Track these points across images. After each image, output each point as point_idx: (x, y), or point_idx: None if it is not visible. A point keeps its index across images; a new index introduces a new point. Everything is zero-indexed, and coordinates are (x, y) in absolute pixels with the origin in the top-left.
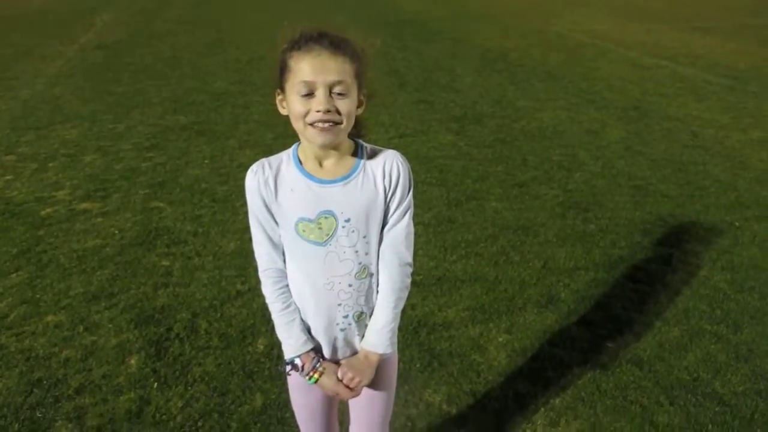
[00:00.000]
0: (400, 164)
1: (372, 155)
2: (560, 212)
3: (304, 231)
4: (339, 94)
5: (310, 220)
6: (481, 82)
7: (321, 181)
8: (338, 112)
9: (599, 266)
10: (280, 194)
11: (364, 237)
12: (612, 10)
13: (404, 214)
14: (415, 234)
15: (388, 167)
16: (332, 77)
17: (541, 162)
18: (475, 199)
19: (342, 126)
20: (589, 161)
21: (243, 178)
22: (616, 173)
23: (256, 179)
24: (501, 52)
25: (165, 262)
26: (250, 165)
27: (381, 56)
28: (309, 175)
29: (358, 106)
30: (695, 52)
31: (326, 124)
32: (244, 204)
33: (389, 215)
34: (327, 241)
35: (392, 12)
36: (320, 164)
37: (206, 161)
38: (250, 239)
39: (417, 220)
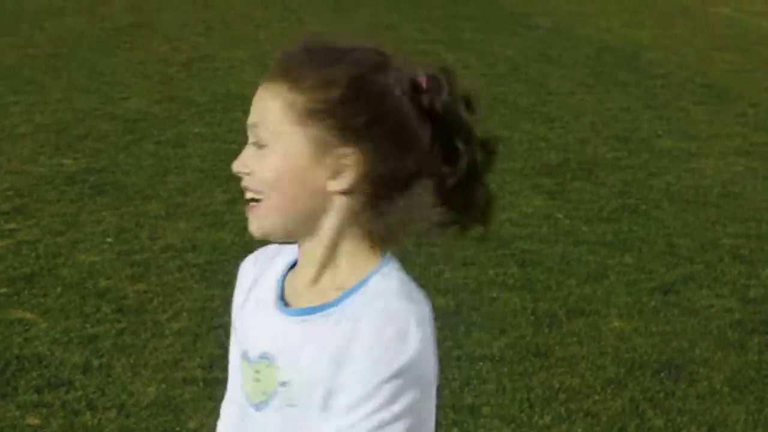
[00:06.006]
0: (398, 313)
1: (379, 288)
2: (736, 339)
3: (244, 376)
4: (254, 143)
5: (250, 361)
6: (593, 103)
7: (282, 305)
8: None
9: None
10: (251, 300)
11: (300, 425)
12: None
13: (358, 403)
14: (480, 377)
15: (373, 311)
16: (251, 116)
17: (701, 248)
18: (583, 314)
19: (265, 203)
20: None
21: (169, 271)
22: None
23: (252, 257)
24: (628, 50)
25: (33, 420)
26: (183, 248)
27: (418, 56)
28: (282, 289)
29: (327, 176)
30: None
31: (248, 197)
32: (174, 318)
33: (334, 393)
34: (262, 405)
35: None
36: (314, 276)
37: (109, 239)
38: (183, 380)
39: (482, 352)
